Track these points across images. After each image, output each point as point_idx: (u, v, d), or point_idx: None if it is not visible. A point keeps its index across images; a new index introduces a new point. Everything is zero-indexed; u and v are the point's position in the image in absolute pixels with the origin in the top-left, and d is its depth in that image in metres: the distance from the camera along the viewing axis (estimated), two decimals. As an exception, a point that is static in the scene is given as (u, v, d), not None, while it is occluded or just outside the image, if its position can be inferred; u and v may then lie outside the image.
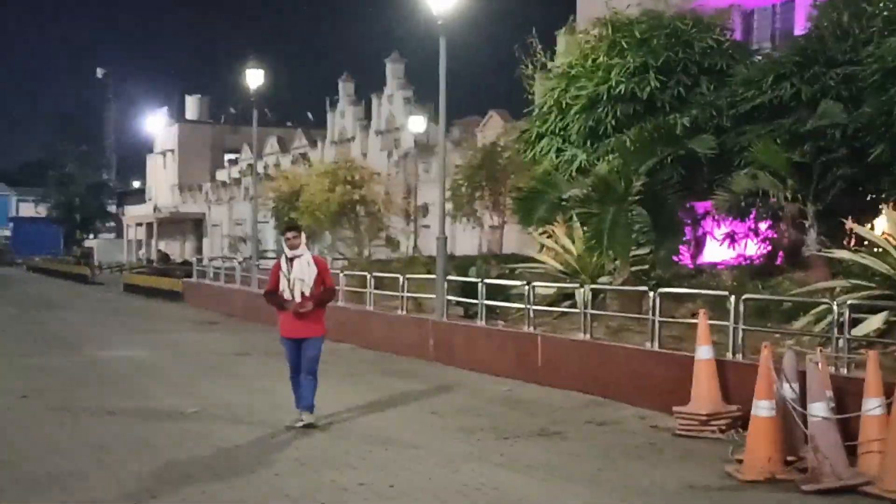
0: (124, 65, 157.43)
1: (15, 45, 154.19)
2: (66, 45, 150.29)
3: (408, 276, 18.80)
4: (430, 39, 18.89)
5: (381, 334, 18.83)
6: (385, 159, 47.80)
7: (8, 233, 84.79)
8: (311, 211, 24.88)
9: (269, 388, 13.46)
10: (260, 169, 60.17)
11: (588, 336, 13.48)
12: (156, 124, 74.73)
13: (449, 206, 25.61)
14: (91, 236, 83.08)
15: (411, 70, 48.35)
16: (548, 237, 17.28)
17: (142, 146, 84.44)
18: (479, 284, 16.04)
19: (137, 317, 27.39)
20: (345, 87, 52.92)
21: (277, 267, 10.90)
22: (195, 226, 67.67)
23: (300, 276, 10.58)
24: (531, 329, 14.60)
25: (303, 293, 10.56)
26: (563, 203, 16.49)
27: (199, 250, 66.65)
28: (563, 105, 18.76)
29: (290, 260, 10.67)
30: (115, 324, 24.91)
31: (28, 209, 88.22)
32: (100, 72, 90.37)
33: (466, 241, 34.93)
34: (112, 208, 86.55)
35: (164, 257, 67.38)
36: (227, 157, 70.16)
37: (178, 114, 72.83)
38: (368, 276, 20.00)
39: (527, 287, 14.83)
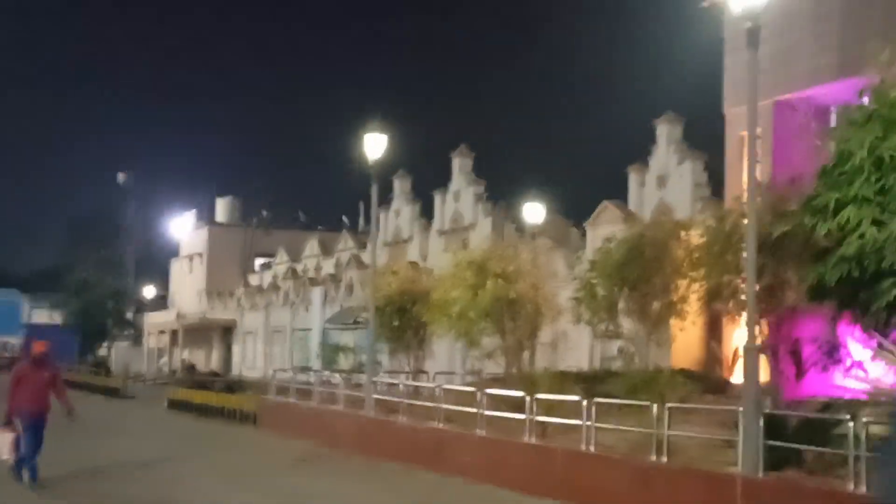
0: (149, 167, 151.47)
1: (30, 147, 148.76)
2: (86, 149, 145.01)
3: (670, 404, 12.43)
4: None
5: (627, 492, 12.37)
6: (448, 261, 41.65)
7: (19, 341, 77.67)
8: (450, 312, 18.66)
9: None
10: (301, 270, 54.11)
11: None
12: (182, 228, 68.75)
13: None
14: (106, 344, 76.36)
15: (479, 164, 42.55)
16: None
17: (162, 251, 78.45)
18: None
19: (217, 449, 20.90)
20: (401, 184, 47.02)
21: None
22: (224, 333, 61.04)
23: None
24: None
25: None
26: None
27: (227, 360, 60.04)
28: (886, 160, 12.68)
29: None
30: (201, 463, 18.36)
31: (42, 316, 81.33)
32: (121, 177, 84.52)
33: (580, 350, 28.67)
34: (129, 315, 79.97)
35: (190, 367, 60.70)
36: (259, 261, 64.00)
37: (208, 216, 66.78)
38: (586, 404, 13.63)
39: None
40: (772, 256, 19.30)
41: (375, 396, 20.22)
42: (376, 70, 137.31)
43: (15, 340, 78.27)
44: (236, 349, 59.18)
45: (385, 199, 48.34)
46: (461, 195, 42.09)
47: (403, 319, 22.54)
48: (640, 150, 35.01)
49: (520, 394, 15.27)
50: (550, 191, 32.25)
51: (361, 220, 63.92)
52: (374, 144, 20.09)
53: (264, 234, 64.85)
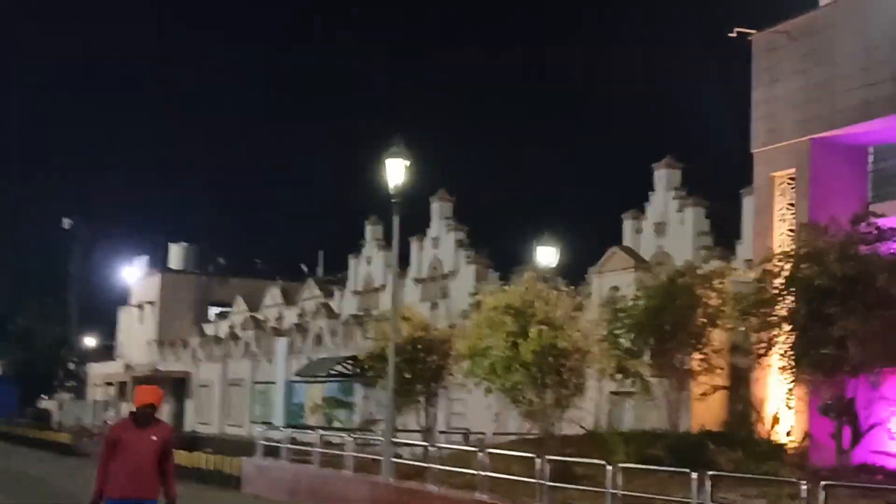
0: (98, 213, 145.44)
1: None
2: (32, 193, 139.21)
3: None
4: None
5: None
6: (426, 310, 38.98)
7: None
8: (485, 363, 15.89)
9: None
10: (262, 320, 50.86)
11: None
12: (132, 275, 64.94)
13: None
14: (46, 396, 71.97)
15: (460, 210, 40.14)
16: None
17: (110, 299, 74.32)
18: None
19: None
20: (372, 230, 44.38)
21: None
22: (176, 386, 57.23)
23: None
24: None
25: None
26: None
27: (179, 415, 56.24)
28: None
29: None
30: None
31: (-22, 366, 76.59)
32: (66, 222, 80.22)
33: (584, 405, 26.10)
34: (72, 365, 75.63)
35: (140, 421, 56.83)
36: (213, 310, 60.51)
37: (161, 263, 63.20)
38: (696, 477, 11.05)
39: None
40: (840, 305, 17.13)
41: (394, 459, 17.43)
42: (344, 106, 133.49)
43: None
44: (189, 403, 55.47)
45: (354, 245, 45.71)
46: (440, 241, 39.58)
47: (416, 370, 19.80)
48: (636, 196, 33.06)
49: (598, 462, 12.70)
50: (534, 237, 29.94)
51: (320, 270, 60.98)
52: (395, 170, 17.52)
53: (219, 283, 61.56)
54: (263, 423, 46.41)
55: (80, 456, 35.86)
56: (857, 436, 17.22)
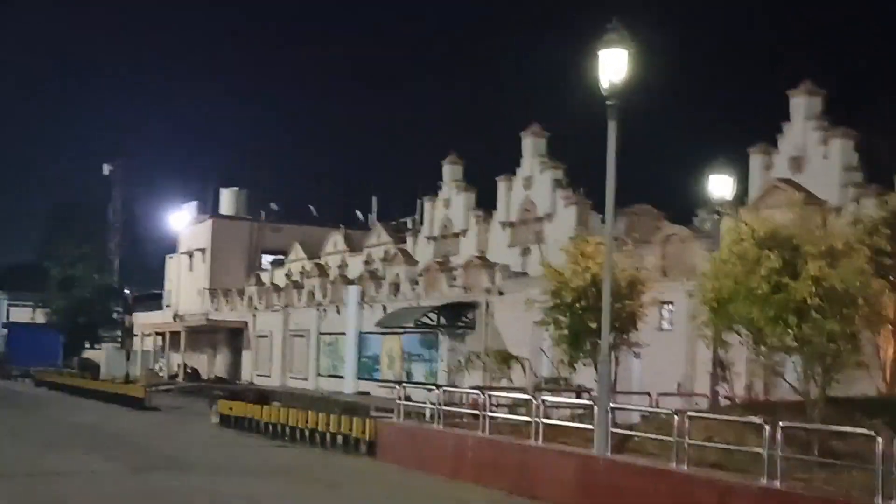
0: (144, 156, 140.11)
1: (11, 135, 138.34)
2: (74, 137, 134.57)
3: None
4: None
5: None
6: (515, 258, 35.30)
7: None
8: (733, 309, 12.27)
9: None
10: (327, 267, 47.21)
11: None
12: (181, 221, 61.18)
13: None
14: (88, 345, 68.70)
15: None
16: None
17: (156, 247, 70.89)
18: None
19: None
20: (451, 170, 40.43)
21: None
22: (231, 336, 53.85)
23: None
24: None
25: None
26: None
27: (235, 366, 52.89)
28: None
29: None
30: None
31: (21, 314, 73.29)
32: (106, 168, 76.75)
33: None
34: (115, 315, 72.34)
35: (194, 373, 53.57)
36: (266, 258, 56.88)
37: (211, 209, 59.42)
38: None
39: None
40: None
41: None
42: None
43: (-7, 340, 70.13)
44: (246, 354, 52.06)
45: (432, 187, 41.83)
46: (533, 181, 35.64)
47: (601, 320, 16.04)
48: (767, 129, 29.10)
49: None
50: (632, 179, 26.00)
51: (373, 216, 57.27)
52: (614, 63, 13.64)
53: (272, 230, 57.84)
54: (333, 376, 43.09)
55: (151, 410, 32.40)
56: None
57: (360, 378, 41.18)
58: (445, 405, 18.29)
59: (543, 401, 15.21)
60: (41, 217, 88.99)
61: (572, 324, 16.76)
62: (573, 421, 15.88)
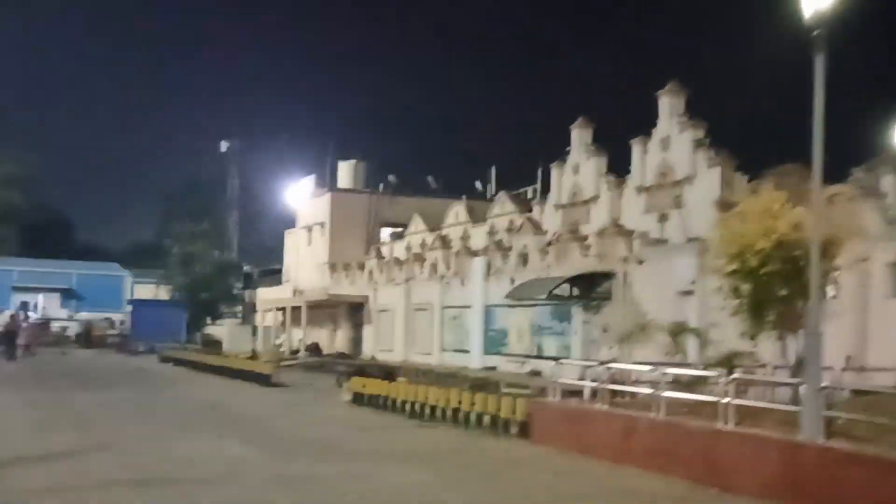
0: (260, 131, 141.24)
1: (129, 114, 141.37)
2: (190, 115, 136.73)
3: None
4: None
5: None
6: (651, 224, 32.97)
7: (122, 317, 70.39)
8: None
9: None
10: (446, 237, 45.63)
11: None
12: (299, 195, 60.57)
13: None
14: (209, 320, 69.05)
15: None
16: None
17: (275, 222, 70.55)
18: None
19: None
20: (580, 134, 38.24)
21: None
22: (351, 311, 52.88)
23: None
24: None
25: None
26: None
27: (357, 341, 51.92)
28: None
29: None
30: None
31: (144, 291, 74.19)
32: (224, 145, 76.99)
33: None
34: (235, 290, 72.62)
35: (315, 348, 52.86)
36: (385, 231, 55.67)
37: (329, 182, 58.51)
38: None
39: None
40: None
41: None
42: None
43: (119, 316, 71.01)
44: (368, 329, 51.00)
45: (560, 153, 39.71)
46: (671, 142, 33.23)
47: (793, 286, 13.93)
48: None
49: None
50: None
51: (492, 186, 55.46)
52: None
53: (390, 202, 56.58)
54: (458, 350, 41.58)
55: (279, 387, 31.38)
56: None
57: (486, 353, 39.62)
58: (605, 381, 16.36)
59: (736, 379, 13.14)
60: (161, 196, 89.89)
61: (755, 291, 14.61)
62: (763, 402, 13.77)
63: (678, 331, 16.98)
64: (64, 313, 73.64)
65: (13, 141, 77.53)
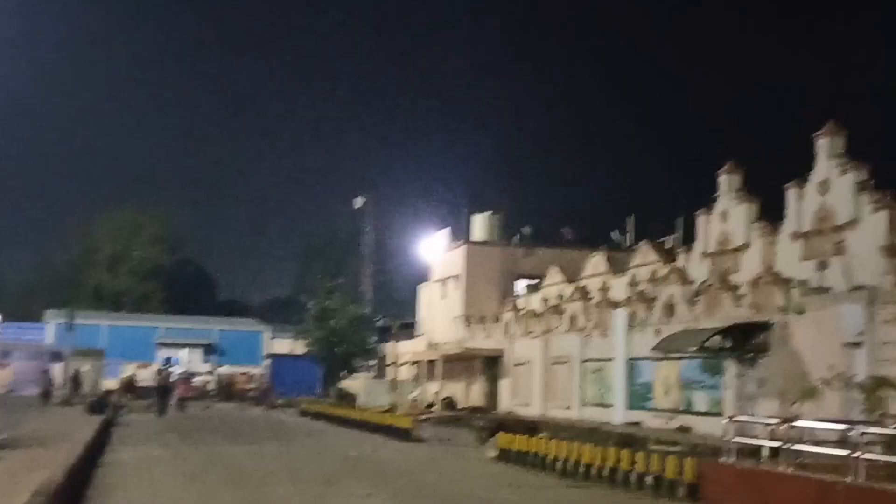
0: (392, 186, 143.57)
1: (261, 177, 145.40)
2: (323, 172, 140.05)
3: None
4: None
5: None
6: (807, 272, 30.90)
7: (260, 371, 71.18)
8: None
9: None
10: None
11: None
12: (433, 249, 60.26)
13: None
14: (345, 373, 69.03)
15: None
16: None
17: (408, 276, 70.55)
18: None
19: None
20: (729, 180, 36.52)
21: None
22: (487, 364, 51.82)
23: None
24: None
25: None
26: None
27: (492, 395, 50.75)
28: None
29: None
30: None
31: (281, 346, 75.00)
32: (358, 201, 77.55)
33: None
34: (369, 344, 72.48)
35: (450, 402, 51.99)
36: (520, 283, 54.63)
37: (464, 235, 57.99)
38: None
39: None
40: None
41: None
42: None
43: (257, 370, 71.85)
44: (504, 382, 49.81)
45: (693, 203, 38.08)
46: (831, 185, 31.25)
47: None
48: None
49: None
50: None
51: (630, 236, 53.86)
52: None
53: (525, 254, 55.59)
54: (600, 405, 39.96)
55: (417, 441, 30.48)
56: None
57: (630, 408, 37.92)
58: (789, 441, 14.78)
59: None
60: (298, 252, 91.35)
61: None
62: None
63: (876, 386, 15.26)
64: (205, 368, 74.98)
65: (162, 200, 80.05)
